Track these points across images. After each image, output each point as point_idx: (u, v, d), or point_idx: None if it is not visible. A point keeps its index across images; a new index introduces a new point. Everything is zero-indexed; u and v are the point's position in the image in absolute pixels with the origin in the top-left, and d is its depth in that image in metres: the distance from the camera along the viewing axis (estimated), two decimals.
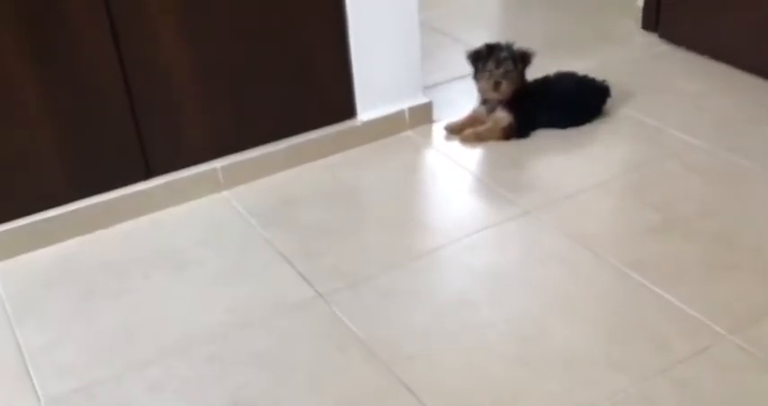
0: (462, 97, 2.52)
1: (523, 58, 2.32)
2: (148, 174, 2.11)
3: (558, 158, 2.29)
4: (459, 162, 2.29)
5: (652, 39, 2.90)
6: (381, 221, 2.08)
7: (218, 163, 2.18)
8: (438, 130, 2.42)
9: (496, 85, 2.31)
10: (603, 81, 2.45)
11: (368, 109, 2.34)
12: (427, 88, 2.49)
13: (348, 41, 2.22)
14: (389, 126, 2.39)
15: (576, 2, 3.33)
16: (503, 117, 2.35)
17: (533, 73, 2.38)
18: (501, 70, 2.30)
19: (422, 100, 2.43)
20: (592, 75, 2.45)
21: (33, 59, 1.85)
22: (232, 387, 1.58)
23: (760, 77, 2.57)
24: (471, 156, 2.33)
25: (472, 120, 2.40)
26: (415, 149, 2.37)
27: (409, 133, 2.42)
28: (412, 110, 2.41)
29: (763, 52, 2.55)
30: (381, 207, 2.15)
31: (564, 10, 3.26)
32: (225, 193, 2.19)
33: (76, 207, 2.03)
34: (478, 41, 2.44)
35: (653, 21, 2.90)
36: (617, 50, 2.86)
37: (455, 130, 2.39)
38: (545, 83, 2.42)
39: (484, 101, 2.40)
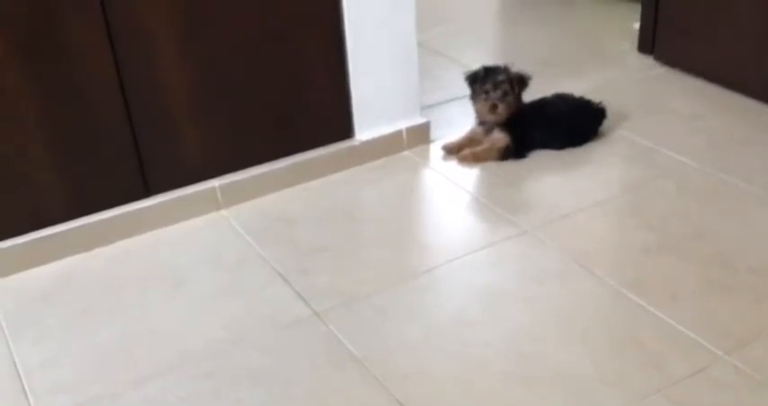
0: (460, 117, 2.54)
1: (520, 81, 2.34)
2: (147, 192, 2.11)
3: (555, 178, 2.31)
4: (457, 181, 2.30)
5: (648, 61, 2.93)
6: (378, 240, 2.09)
7: (216, 182, 2.18)
8: (435, 150, 2.44)
9: (493, 108, 2.32)
10: (599, 102, 2.47)
11: (366, 128, 2.36)
12: (425, 108, 2.51)
13: (346, 61, 2.24)
14: (387, 145, 2.40)
15: (572, 24, 3.36)
16: (500, 137, 2.36)
17: (530, 94, 2.40)
18: (498, 93, 2.31)
19: (419, 120, 2.44)
20: (588, 96, 2.48)
21: (32, 77, 1.87)
22: (227, 404, 1.58)
23: (754, 99, 2.60)
24: (468, 176, 2.34)
25: (469, 141, 2.42)
26: (413, 169, 2.38)
27: (407, 153, 2.43)
28: (410, 130, 2.42)
29: (757, 74, 2.57)
30: (379, 226, 2.16)
31: (561, 32, 3.29)
32: (223, 212, 2.20)
33: (75, 225, 2.04)
34: (476, 62, 2.46)
35: (649, 43, 2.93)
36: (613, 72, 2.89)
37: (452, 150, 2.41)
38: (542, 104, 2.44)
39: (481, 122, 2.41)
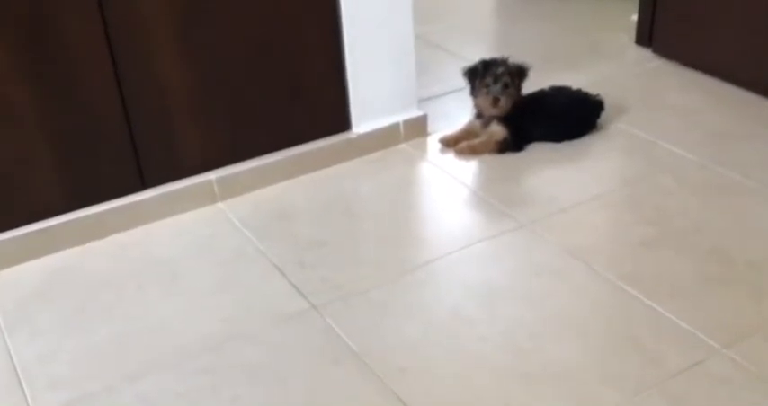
0: (457, 110, 2.53)
1: (520, 73, 2.33)
2: (143, 185, 2.11)
3: (553, 172, 2.30)
4: (454, 175, 2.30)
5: (645, 54, 2.92)
6: (376, 233, 2.08)
7: (212, 175, 2.18)
8: (433, 143, 2.43)
9: (495, 101, 2.31)
10: (597, 95, 2.46)
11: (363, 121, 2.35)
12: (422, 101, 2.50)
13: (344, 54, 2.23)
14: (384, 138, 2.39)
15: (570, 17, 3.35)
16: (497, 130, 2.36)
17: (528, 87, 2.39)
18: (499, 86, 2.30)
19: (417, 113, 2.44)
20: (586, 89, 2.47)
21: (30, 72, 1.86)
22: (225, 400, 1.58)
23: (752, 92, 2.59)
24: (466, 169, 2.33)
25: (467, 133, 2.41)
26: (410, 162, 2.37)
27: (404, 146, 2.43)
28: (407, 122, 2.41)
29: (756, 67, 2.57)
30: (376, 219, 2.15)
31: (558, 25, 3.28)
32: (220, 205, 2.19)
33: (71, 218, 2.03)
34: (474, 55, 2.45)
35: (647, 36, 2.92)
36: (611, 65, 2.88)
37: (450, 143, 2.40)
38: (539, 97, 2.43)
39: (479, 115, 2.41)
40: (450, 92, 2.67)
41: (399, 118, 2.40)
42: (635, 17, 2.97)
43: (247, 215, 2.14)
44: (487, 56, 2.40)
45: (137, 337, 1.75)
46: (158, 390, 1.61)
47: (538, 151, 2.38)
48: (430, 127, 2.47)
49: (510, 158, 2.35)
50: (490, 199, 2.17)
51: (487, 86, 2.32)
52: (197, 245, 2.05)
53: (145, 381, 1.63)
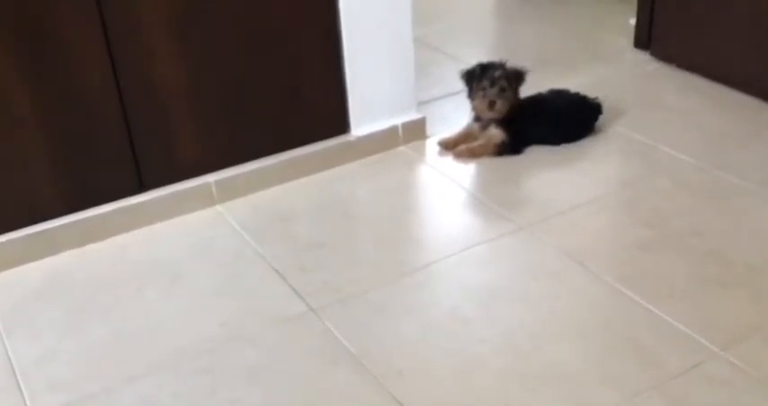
0: (456, 113, 2.54)
1: (517, 77, 2.34)
2: (142, 188, 2.11)
3: (551, 174, 2.31)
4: (453, 177, 2.30)
5: (644, 57, 2.93)
6: (374, 236, 2.08)
7: (211, 178, 2.18)
8: (431, 146, 2.44)
9: (491, 104, 2.32)
10: (595, 98, 2.47)
11: (362, 124, 2.35)
12: (421, 104, 2.51)
13: (342, 57, 2.23)
14: (383, 141, 2.39)
15: (569, 20, 3.36)
16: (496, 133, 2.36)
17: (526, 90, 2.39)
18: (495, 89, 2.31)
19: (415, 115, 2.44)
20: (584, 92, 2.47)
21: (28, 73, 1.86)
22: (224, 401, 1.58)
23: (750, 95, 2.60)
24: (464, 172, 2.34)
25: (465, 136, 2.41)
26: (409, 165, 2.37)
27: (403, 148, 2.43)
28: (406, 125, 2.42)
29: (754, 70, 2.57)
30: (375, 222, 2.16)
31: (557, 28, 3.29)
32: (218, 207, 2.19)
33: (70, 221, 2.03)
34: (472, 58, 2.45)
35: (645, 39, 2.93)
36: (609, 68, 2.88)
37: (448, 146, 2.40)
38: (538, 100, 2.43)
39: (477, 118, 2.41)
40: (449, 95, 2.67)
41: (398, 120, 2.40)
42: (633, 20, 2.98)
43: (246, 217, 2.14)
44: (486, 58, 2.40)
45: (136, 338, 1.75)
46: (157, 391, 1.60)
47: (536, 154, 2.38)
48: (429, 130, 2.47)
49: (508, 161, 2.36)
50: (488, 202, 2.18)
51: (484, 89, 2.32)
52: (196, 248, 2.05)
53: (143, 382, 1.63)
